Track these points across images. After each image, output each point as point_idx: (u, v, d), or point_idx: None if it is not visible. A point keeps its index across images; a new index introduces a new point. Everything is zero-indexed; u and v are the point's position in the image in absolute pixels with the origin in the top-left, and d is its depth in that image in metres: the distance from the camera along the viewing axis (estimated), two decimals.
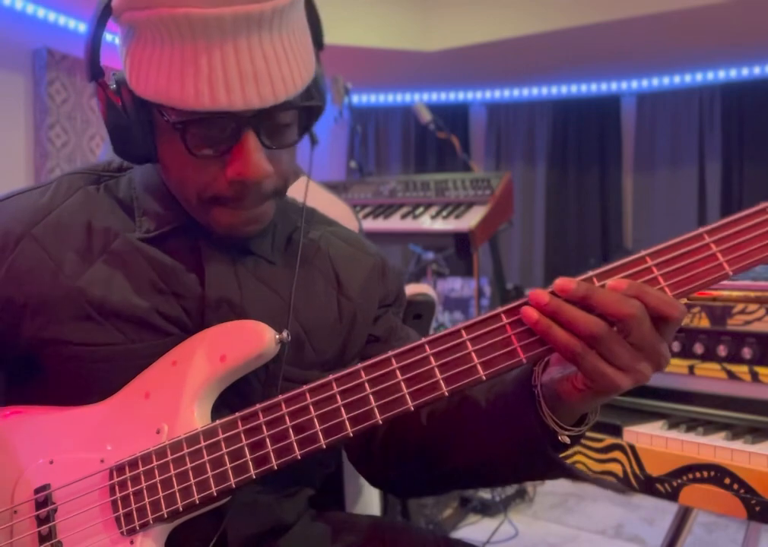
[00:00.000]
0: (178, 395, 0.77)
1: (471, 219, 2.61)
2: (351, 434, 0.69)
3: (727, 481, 1.04)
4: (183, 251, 0.84)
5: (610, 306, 0.62)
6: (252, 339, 0.77)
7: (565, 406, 0.70)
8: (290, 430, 0.70)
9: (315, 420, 0.70)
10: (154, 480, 0.73)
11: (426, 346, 0.68)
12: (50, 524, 0.76)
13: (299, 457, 0.70)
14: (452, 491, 0.78)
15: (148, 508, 0.73)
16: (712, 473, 1.05)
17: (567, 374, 0.67)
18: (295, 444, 0.70)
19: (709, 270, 0.63)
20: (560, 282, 0.65)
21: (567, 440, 0.72)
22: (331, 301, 0.90)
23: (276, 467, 0.71)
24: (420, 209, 2.83)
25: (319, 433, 0.70)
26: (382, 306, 0.95)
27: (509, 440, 0.75)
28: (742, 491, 1.02)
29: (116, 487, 0.75)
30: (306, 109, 0.80)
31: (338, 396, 0.70)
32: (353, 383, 0.69)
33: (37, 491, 0.77)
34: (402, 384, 0.68)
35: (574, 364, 0.65)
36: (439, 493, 1.03)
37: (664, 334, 0.64)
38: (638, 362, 0.64)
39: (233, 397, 0.79)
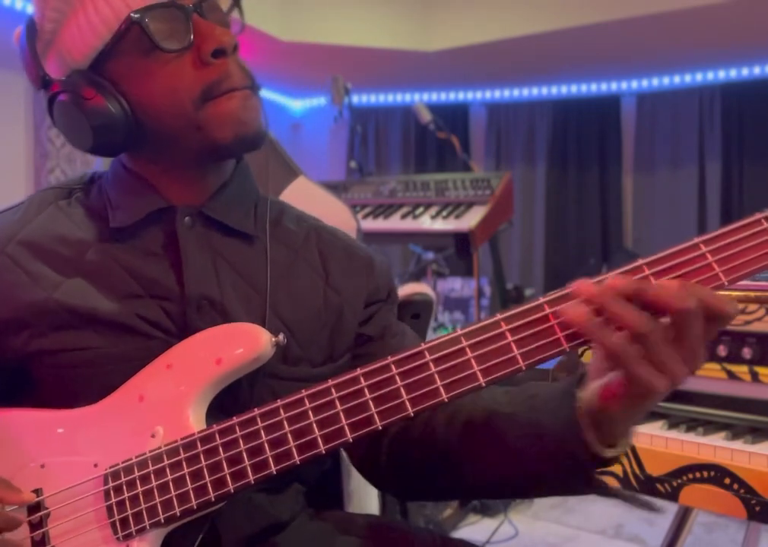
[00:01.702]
0: (173, 398, 0.76)
1: (471, 219, 2.61)
2: (351, 440, 0.69)
3: (727, 481, 1.04)
4: (160, 242, 0.84)
5: (669, 299, 0.61)
6: (248, 342, 0.76)
7: (604, 418, 0.68)
8: (289, 435, 0.70)
9: (315, 425, 0.69)
10: (150, 485, 0.73)
11: (426, 352, 0.68)
12: (43, 530, 0.75)
13: (299, 463, 0.70)
14: (465, 499, 0.75)
15: (145, 513, 0.72)
16: (712, 473, 1.05)
17: (604, 383, 0.67)
18: (294, 449, 0.70)
19: (704, 280, 0.64)
20: (611, 280, 0.62)
21: (612, 453, 0.70)
22: (316, 291, 0.89)
23: (275, 472, 0.70)
24: (420, 209, 2.84)
25: (319, 438, 0.69)
26: (372, 302, 0.94)
27: (543, 457, 0.72)
28: (742, 491, 1.02)
29: (111, 492, 0.74)
30: None
31: (337, 402, 0.69)
32: (353, 388, 0.69)
33: None
34: (402, 389, 0.68)
35: (616, 363, 0.63)
36: (448, 500, 1.01)
37: (710, 333, 0.63)
38: (676, 362, 0.62)
39: (221, 396, 0.78)
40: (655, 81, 5.43)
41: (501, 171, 4.93)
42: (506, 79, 5.63)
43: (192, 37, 0.78)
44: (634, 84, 5.52)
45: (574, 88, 5.66)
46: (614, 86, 5.57)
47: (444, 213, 2.72)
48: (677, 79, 5.35)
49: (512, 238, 5.60)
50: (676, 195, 5.37)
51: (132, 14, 0.77)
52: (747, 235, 0.64)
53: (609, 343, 0.62)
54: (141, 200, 0.85)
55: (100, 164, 1.81)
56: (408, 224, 2.78)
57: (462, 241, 2.60)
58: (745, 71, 5.11)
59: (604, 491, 0.72)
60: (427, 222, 2.73)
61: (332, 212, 1.72)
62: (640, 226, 5.56)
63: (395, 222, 2.81)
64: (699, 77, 5.28)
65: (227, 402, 0.77)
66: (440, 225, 2.69)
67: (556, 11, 4.31)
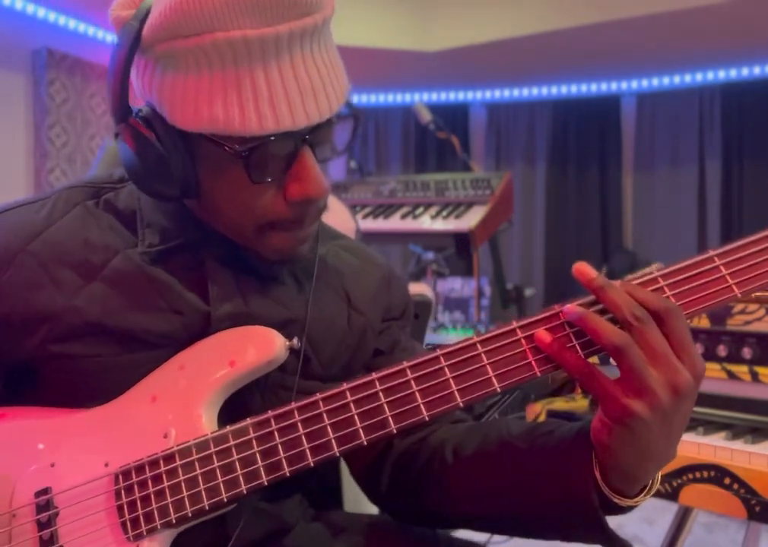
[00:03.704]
0: (186, 399, 0.76)
1: (471, 219, 2.61)
2: (365, 443, 0.69)
3: (727, 481, 1.04)
4: (186, 268, 0.82)
5: (618, 308, 0.63)
6: (263, 345, 0.76)
7: (605, 455, 0.66)
8: (304, 438, 0.70)
9: (329, 428, 0.70)
10: (162, 485, 0.73)
11: (442, 358, 0.69)
12: (51, 529, 0.74)
13: (312, 464, 0.70)
14: (465, 529, 0.73)
15: (156, 514, 0.72)
16: (712, 473, 1.06)
17: (597, 414, 0.66)
18: (308, 451, 0.70)
19: (718, 291, 0.67)
20: (580, 265, 0.65)
21: (628, 503, 0.68)
22: (341, 315, 0.88)
23: (288, 474, 0.70)
24: (420, 209, 2.83)
25: (333, 441, 0.70)
26: (386, 319, 0.93)
27: (551, 494, 0.70)
28: (742, 491, 1.02)
29: (122, 491, 0.74)
30: (352, 119, 0.79)
31: (352, 405, 0.70)
32: (368, 392, 0.70)
33: (38, 494, 0.75)
34: (417, 394, 0.68)
35: (583, 388, 0.65)
36: (448, 528, 0.97)
37: (673, 343, 0.62)
38: (648, 378, 0.61)
39: (232, 405, 0.78)
40: (655, 81, 5.43)
41: (501, 171, 4.93)
42: (506, 79, 5.63)
43: (287, 170, 0.74)
44: (634, 84, 5.52)
45: (574, 88, 5.65)
46: (614, 86, 5.57)
47: (444, 213, 2.72)
48: (677, 79, 5.34)
49: (512, 238, 5.59)
50: (676, 195, 5.37)
51: (241, 154, 0.71)
52: (759, 250, 0.67)
53: (568, 364, 0.64)
54: (175, 227, 0.82)
55: (97, 166, 1.80)
56: (408, 224, 2.78)
57: (462, 241, 2.60)
58: (745, 71, 5.11)
59: (612, 543, 0.69)
60: (427, 222, 2.73)
61: (331, 212, 1.71)
62: (640, 226, 5.56)
63: (395, 222, 2.81)
64: (699, 77, 5.28)
65: (238, 411, 0.76)
66: (440, 225, 2.69)
67: (556, 11, 4.31)
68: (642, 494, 0.69)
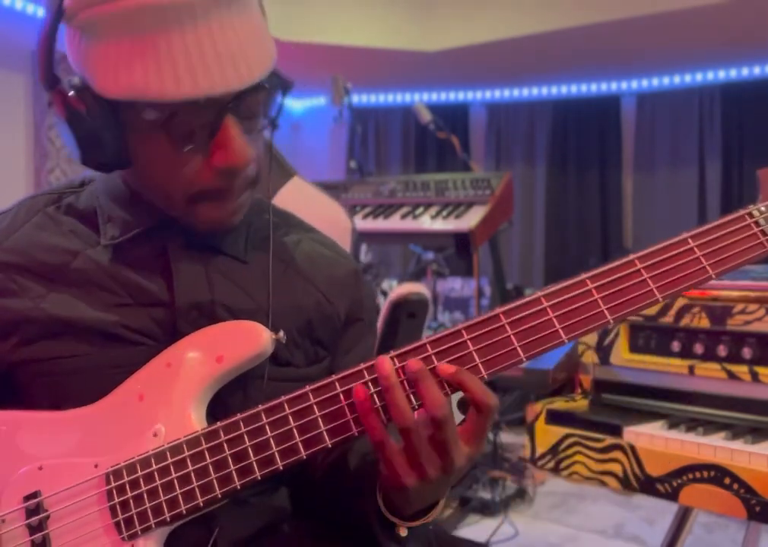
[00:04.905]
0: (174, 397, 0.76)
1: (471, 219, 2.62)
2: (357, 434, 0.71)
3: (727, 481, 1.04)
4: (150, 256, 0.83)
5: (425, 402, 0.67)
6: (250, 340, 0.76)
7: (390, 492, 0.74)
8: (295, 430, 0.71)
9: (320, 420, 0.71)
10: (155, 484, 0.73)
11: (428, 345, 0.70)
12: (43, 532, 0.74)
13: (305, 457, 0.71)
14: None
15: (150, 512, 0.72)
16: (712, 473, 1.05)
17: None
18: (300, 444, 0.71)
19: (693, 273, 0.68)
20: (411, 361, 0.69)
21: (404, 532, 0.77)
22: (309, 301, 0.89)
23: (281, 468, 0.71)
24: (420, 209, 2.84)
25: (325, 433, 0.71)
26: (354, 317, 0.93)
27: (356, 515, 0.80)
28: (742, 491, 1.02)
29: (114, 492, 0.73)
30: (278, 89, 0.79)
31: (342, 396, 0.71)
32: (351, 385, 0.71)
33: (27, 498, 0.75)
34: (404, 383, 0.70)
35: (375, 450, 0.69)
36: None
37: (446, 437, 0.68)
38: (431, 462, 0.68)
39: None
40: (655, 81, 5.43)
41: (501, 171, 4.93)
42: (506, 79, 5.62)
43: (211, 138, 0.75)
44: (634, 84, 5.52)
45: (574, 88, 5.65)
46: (614, 86, 5.57)
47: (444, 213, 2.73)
48: (677, 79, 5.34)
49: (512, 238, 5.59)
50: (676, 195, 5.36)
51: (159, 121, 0.73)
52: (732, 230, 0.68)
53: (370, 430, 0.68)
54: (134, 215, 0.83)
55: None
56: (408, 224, 2.79)
57: (462, 241, 2.60)
58: (745, 71, 5.11)
59: None
60: (427, 222, 2.73)
61: (327, 212, 1.71)
62: (640, 225, 5.56)
63: (395, 222, 2.82)
64: (699, 77, 5.27)
65: (214, 402, 0.77)
66: (440, 225, 2.69)
67: (557, 11, 4.31)
68: (422, 519, 0.78)
